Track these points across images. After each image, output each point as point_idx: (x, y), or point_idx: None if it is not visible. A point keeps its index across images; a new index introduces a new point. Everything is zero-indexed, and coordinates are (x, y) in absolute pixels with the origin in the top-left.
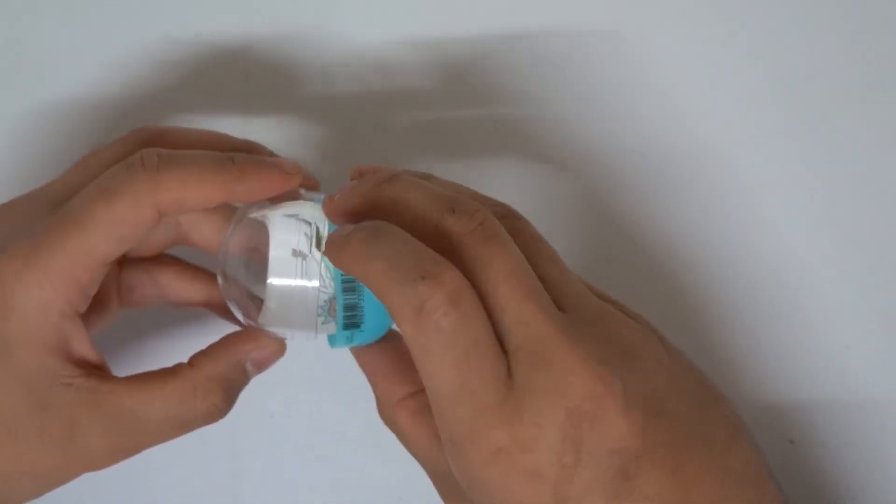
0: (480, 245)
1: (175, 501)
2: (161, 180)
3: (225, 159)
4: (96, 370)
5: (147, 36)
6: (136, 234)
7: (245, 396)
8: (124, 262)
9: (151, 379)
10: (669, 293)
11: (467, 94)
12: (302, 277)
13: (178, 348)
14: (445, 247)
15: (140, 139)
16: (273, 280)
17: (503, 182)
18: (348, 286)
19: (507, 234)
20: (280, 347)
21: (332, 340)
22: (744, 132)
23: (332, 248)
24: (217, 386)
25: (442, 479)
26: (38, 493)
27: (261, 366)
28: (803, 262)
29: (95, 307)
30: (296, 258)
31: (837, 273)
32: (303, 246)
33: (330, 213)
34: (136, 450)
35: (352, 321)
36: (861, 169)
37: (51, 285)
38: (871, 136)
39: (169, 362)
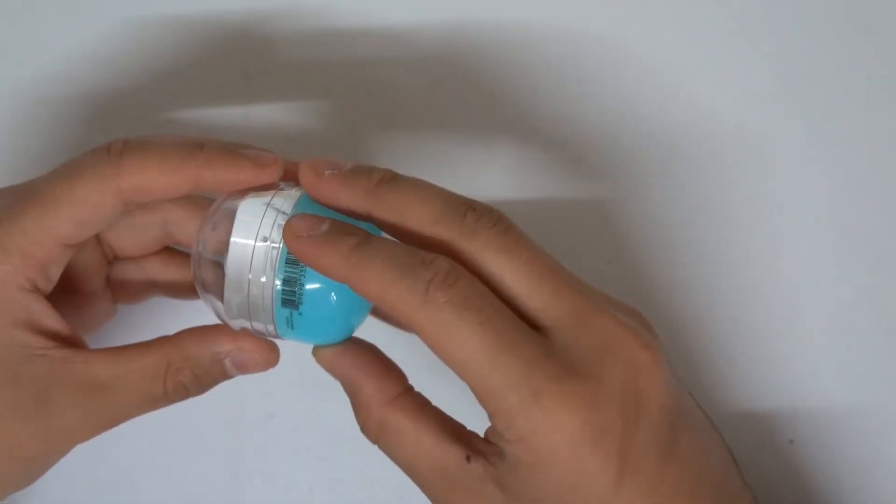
0: (503, 236)
1: (175, 501)
2: (123, 165)
3: (193, 146)
4: (70, 343)
5: (145, 32)
6: (98, 218)
7: (245, 398)
8: (114, 259)
9: (128, 351)
10: (669, 293)
11: (469, 92)
12: (260, 266)
13: None
14: (457, 249)
15: (122, 151)
16: (229, 269)
17: (501, 178)
18: (291, 261)
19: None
20: (266, 355)
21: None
22: (744, 132)
23: (308, 245)
24: (187, 368)
25: (450, 480)
26: (24, 477)
27: (242, 368)
28: (803, 262)
29: (86, 304)
30: (255, 247)
31: (837, 273)
32: (264, 234)
33: (317, 194)
34: (113, 422)
35: (289, 297)
36: (861, 169)
37: (7, 260)
38: (870, 136)
39: None
